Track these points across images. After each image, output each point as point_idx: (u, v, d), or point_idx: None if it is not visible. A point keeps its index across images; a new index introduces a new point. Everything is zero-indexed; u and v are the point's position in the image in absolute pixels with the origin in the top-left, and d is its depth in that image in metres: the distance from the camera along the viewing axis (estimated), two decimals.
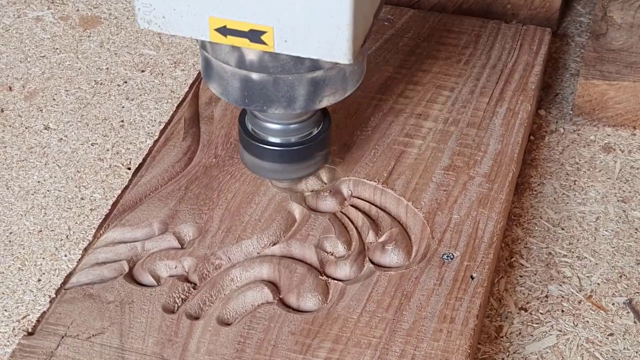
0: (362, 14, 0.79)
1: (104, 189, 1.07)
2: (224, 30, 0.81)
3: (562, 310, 0.94)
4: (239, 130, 0.95)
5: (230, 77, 0.87)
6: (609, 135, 1.13)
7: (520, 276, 0.98)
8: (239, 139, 0.96)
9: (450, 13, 1.25)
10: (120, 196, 0.98)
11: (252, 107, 0.88)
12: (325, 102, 0.88)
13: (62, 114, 1.17)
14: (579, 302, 0.95)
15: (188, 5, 0.80)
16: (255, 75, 0.85)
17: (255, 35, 0.81)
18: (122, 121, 1.16)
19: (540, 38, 1.18)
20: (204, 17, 0.81)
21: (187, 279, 0.90)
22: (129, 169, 1.09)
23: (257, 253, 0.93)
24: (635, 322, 0.93)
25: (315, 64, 0.85)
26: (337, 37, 0.78)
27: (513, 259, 1.00)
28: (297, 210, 0.96)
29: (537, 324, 0.93)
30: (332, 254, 0.93)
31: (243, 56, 0.84)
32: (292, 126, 0.92)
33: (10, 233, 1.01)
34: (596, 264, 0.99)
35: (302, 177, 0.97)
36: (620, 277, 0.97)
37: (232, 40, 0.81)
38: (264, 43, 0.81)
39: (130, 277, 0.90)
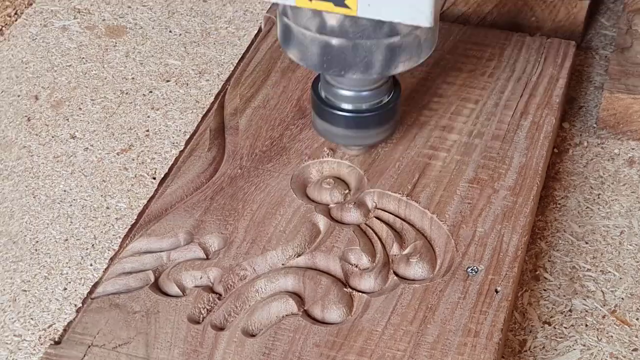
0: None
1: (129, 198, 1.08)
2: None
3: (586, 325, 0.94)
4: (312, 97, 0.99)
5: (309, 43, 0.90)
6: (633, 149, 1.13)
7: (544, 290, 0.98)
8: (312, 105, 1.00)
9: (475, 25, 1.26)
10: (146, 206, 0.99)
11: (330, 73, 0.91)
12: (401, 67, 0.91)
13: (88, 123, 1.18)
14: (603, 317, 0.95)
15: None
16: (334, 41, 0.89)
17: (339, 0, 0.83)
18: (148, 131, 1.17)
19: (565, 51, 1.18)
20: None
21: (212, 290, 0.90)
22: (154, 178, 1.10)
23: (282, 264, 0.93)
24: None
25: (393, 30, 0.88)
26: (419, 0, 0.82)
27: (537, 272, 1.00)
28: (321, 221, 0.97)
29: (561, 338, 0.93)
30: (356, 266, 0.93)
31: (324, 21, 0.88)
32: (364, 93, 0.96)
33: (37, 242, 1.02)
34: (620, 278, 0.99)
35: (372, 144, 1.01)
36: None
37: (316, 4, 0.85)
38: (348, 7, 0.84)
39: (156, 287, 0.91)
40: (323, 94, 0.99)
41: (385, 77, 0.97)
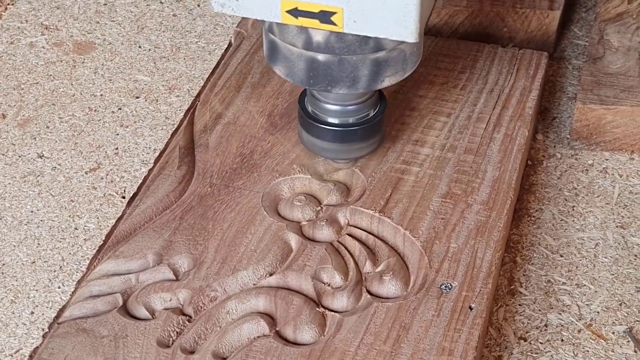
0: None
1: (98, 218, 1.06)
2: (295, 12, 0.86)
3: (562, 340, 0.93)
4: (299, 112, 1.00)
5: (296, 59, 0.91)
6: (606, 159, 1.13)
7: (520, 305, 0.97)
8: (299, 120, 1.01)
9: (447, 37, 1.25)
10: (114, 227, 0.97)
11: (316, 88, 0.93)
12: (387, 82, 0.93)
13: (56, 141, 1.16)
14: (579, 331, 0.94)
15: None
16: (321, 56, 0.90)
17: (325, 16, 0.85)
18: (117, 148, 1.15)
19: (537, 62, 1.18)
20: (276, 0, 0.85)
21: (182, 312, 0.89)
22: (124, 197, 1.08)
23: (253, 284, 0.91)
24: (635, 351, 0.92)
25: (378, 45, 0.89)
26: (404, 16, 0.83)
27: (512, 287, 0.99)
28: (293, 240, 0.95)
29: (537, 354, 0.92)
30: (329, 285, 0.92)
31: (310, 37, 0.89)
32: (351, 107, 0.97)
33: (3, 265, 1.00)
34: (595, 291, 0.98)
35: (359, 157, 1.02)
36: (620, 305, 0.96)
37: (302, 21, 0.86)
38: (334, 23, 0.85)
39: (125, 310, 0.89)
40: (310, 109, 0.99)
41: (371, 92, 0.97)
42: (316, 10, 0.85)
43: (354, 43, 0.89)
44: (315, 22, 0.86)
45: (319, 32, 0.88)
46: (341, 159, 1.02)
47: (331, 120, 0.98)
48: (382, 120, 1.00)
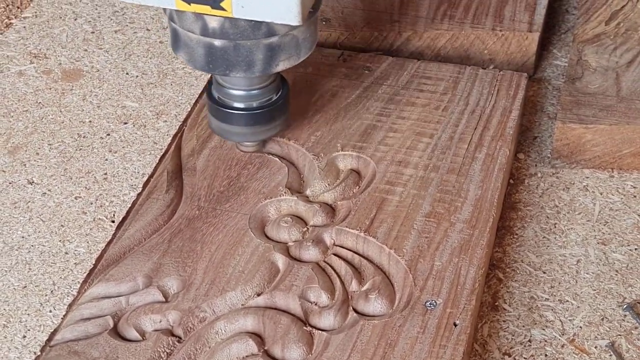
0: None
1: (88, 242, 1.07)
2: None
3: (546, 355, 0.95)
4: (207, 100, 1.06)
5: (195, 45, 0.98)
6: (587, 177, 1.15)
7: (504, 321, 0.99)
8: (207, 108, 1.07)
9: (428, 60, 1.27)
10: (104, 250, 0.99)
11: (215, 72, 0.99)
12: (281, 66, 0.99)
13: (46, 168, 1.17)
14: (562, 346, 0.96)
15: None
16: (217, 42, 0.96)
17: (215, 2, 0.92)
18: (106, 174, 1.17)
19: (517, 83, 1.20)
20: None
21: (172, 333, 0.90)
22: (113, 221, 1.10)
23: (242, 305, 0.93)
24: None
25: (271, 30, 0.96)
26: (287, 0, 0.90)
27: (496, 303, 1.00)
28: (280, 260, 0.97)
29: None
30: (316, 304, 0.93)
31: (206, 24, 0.95)
32: (254, 92, 1.03)
33: None
34: (578, 307, 1.00)
35: (265, 139, 1.09)
36: (602, 319, 0.98)
37: (195, 7, 0.93)
38: (224, 9, 0.92)
39: (115, 332, 0.91)
40: (216, 95, 1.05)
41: (273, 76, 1.04)
42: None
43: (247, 29, 0.95)
44: (207, 8, 0.92)
45: (214, 18, 0.94)
46: (249, 142, 1.08)
47: (237, 104, 1.04)
48: (285, 103, 1.06)
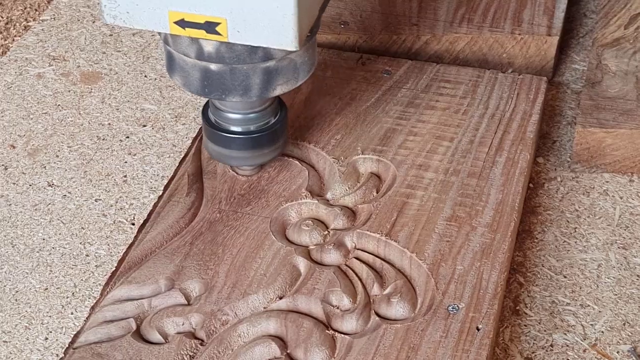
0: (306, 6, 0.88)
1: (108, 245, 1.08)
2: (182, 23, 0.89)
3: (568, 359, 0.95)
4: (203, 123, 1.03)
5: (190, 69, 0.95)
6: (607, 182, 1.15)
7: (525, 325, 0.99)
8: (204, 131, 1.04)
9: (447, 63, 1.27)
10: (126, 253, 0.99)
11: (211, 97, 0.96)
12: (279, 90, 0.97)
13: (66, 170, 1.18)
14: (584, 351, 0.96)
15: (149, 0, 0.89)
16: (213, 66, 0.94)
17: (210, 27, 0.89)
18: (125, 176, 1.17)
19: (537, 87, 1.20)
20: (163, 11, 0.89)
21: (194, 336, 0.90)
22: (133, 224, 1.10)
23: (264, 308, 0.93)
24: None
25: (267, 54, 0.93)
26: (283, 25, 0.87)
27: (517, 308, 1.00)
28: (301, 264, 0.97)
29: None
30: (338, 308, 0.93)
31: (201, 48, 0.93)
32: (251, 115, 1.01)
33: (17, 292, 1.02)
34: (599, 311, 1.00)
35: (262, 164, 1.06)
36: (624, 324, 0.98)
37: (190, 32, 0.90)
38: (219, 34, 0.89)
39: (138, 335, 0.91)
40: (213, 119, 1.03)
41: (270, 100, 1.01)
42: (202, 21, 0.89)
43: (243, 53, 0.92)
44: (202, 33, 0.90)
45: (209, 42, 0.92)
46: (246, 166, 1.05)
47: (234, 128, 1.01)
48: (283, 127, 1.04)
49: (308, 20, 0.90)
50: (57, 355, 0.94)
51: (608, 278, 1.03)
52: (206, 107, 1.04)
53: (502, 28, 1.28)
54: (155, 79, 1.33)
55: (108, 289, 0.95)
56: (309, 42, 0.96)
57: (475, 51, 1.29)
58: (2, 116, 1.26)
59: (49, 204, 1.13)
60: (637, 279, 1.03)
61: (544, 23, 1.29)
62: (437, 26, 1.29)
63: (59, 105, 1.28)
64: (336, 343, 0.90)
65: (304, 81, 0.99)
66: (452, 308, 0.92)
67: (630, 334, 0.97)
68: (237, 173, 1.07)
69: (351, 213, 1.03)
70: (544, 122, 1.24)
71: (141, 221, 1.06)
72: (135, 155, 1.20)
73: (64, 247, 1.07)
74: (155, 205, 1.04)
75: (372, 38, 1.29)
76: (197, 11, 0.88)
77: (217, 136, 1.02)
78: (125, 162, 1.19)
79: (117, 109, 1.27)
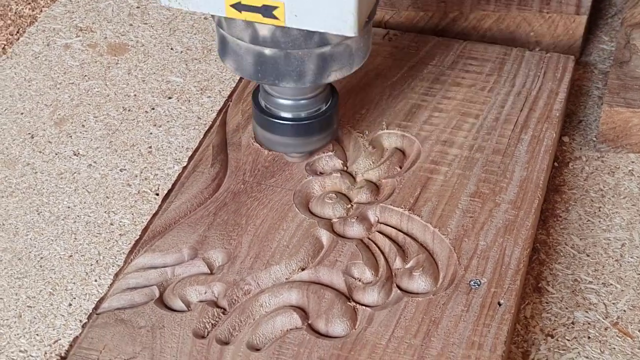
0: None
1: (132, 214, 1.08)
2: (238, 6, 0.88)
3: (589, 337, 0.95)
4: (253, 108, 1.02)
5: (244, 53, 0.93)
6: (632, 162, 1.14)
7: (547, 302, 0.98)
8: (253, 116, 1.02)
9: (474, 41, 1.27)
10: (150, 222, 0.99)
11: (264, 82, 0.94)
12: (333, 76, 0.94)
13: (91, 140, 1.18)
14: (606, 329, 0.96)
15: None
16: (267, 51, 0.91)
17: (267, 10, 0.87)
18: (150, 147, 1.17)
19: (564, 66, 1.19)
20: None
21: (216, 304, 0.91)
22: (157, 194, 1.11)
23: (286, 279, 0.94)
24: None
25: (323, 40, 0.91)
26: (343, 10, 0.85)
27: (539, 285, 1.00)
28: (324, 236, 0.97)
29: (564, 350, 0.94)
30: (359, 280, 0.93)
31: (256, 32, 0.91)
32: (303, 102, 0.99)
33: (42, 258, 1.03)
34: (622, 290, 0.99)
35: (312, 151, 1.04)
36: None
37: (246, 15, 0.88)
38: (276, 18, 0.87)
39: (161, 302, 0.91)
40: (263, 104, 1.01)
41: (322, 86, 0.99)
42: (259, 5, 0.87)
43: (299, 37, 0.90)
44: (258, 17, 0.88)
45: (265, 26, 0.90)
46: (295, 153, 1.04)
47: (284, 114, 1.00)
48: (334, 114, 1.02)
49: (367, 4, 0.88)
50: (81, 321, 0.95)
51: (631, 257, 1.03)
52: (256, 91, 1.03)
53: (530, 6, 1.28)
54: (182, 51, 1.33)
55: (132, 257, 0.96)
56: (366, 28, 0.94)
57: (502, 29, 1.28)
58: (29, 85, 1.27)
59: (75, 172, 1.14)
60: None
61: (572, 2, 1.28)
62: (464, 3, 1.29)
63: (85, 75, 1.29)
64: (357, 314, 0.90)
65: (358, 68, 0.96)
66: (474, 283, 0.92)
67: None
68: (287, 159, 1.05)
69: (375, 187, 1.03)
70: (570, 101, 1.23)
71: (165, 192, 1.07)
72: (160, 126, 1.21)
73: (89, 216, 1.08)
74: (179, 176, 1.05)
75: (399, 14, 1.29)
76: None
77: (266, 121, 1.00)
78: (151, 134, 1.20)
79: (143, 81, 1.28)
